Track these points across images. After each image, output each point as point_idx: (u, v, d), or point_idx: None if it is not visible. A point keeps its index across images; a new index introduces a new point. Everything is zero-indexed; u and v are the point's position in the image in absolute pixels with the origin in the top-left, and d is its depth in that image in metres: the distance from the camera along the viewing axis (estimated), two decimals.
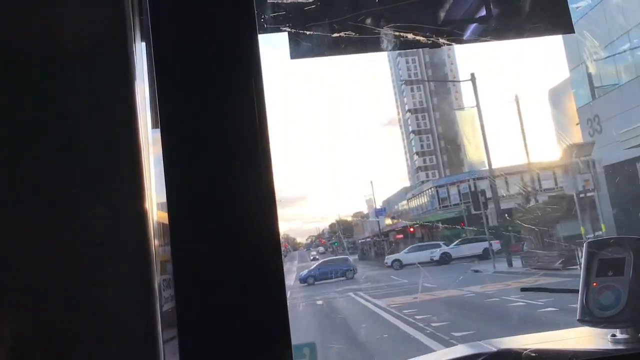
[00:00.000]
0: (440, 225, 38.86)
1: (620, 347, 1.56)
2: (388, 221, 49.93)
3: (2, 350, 0.68)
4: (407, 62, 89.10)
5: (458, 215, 39.25)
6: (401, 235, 43.14)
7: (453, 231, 36.36)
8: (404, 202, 57.48)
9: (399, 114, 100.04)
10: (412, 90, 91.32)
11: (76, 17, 0.75)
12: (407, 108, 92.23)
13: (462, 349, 1.86)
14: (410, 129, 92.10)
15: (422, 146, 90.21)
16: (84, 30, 0.75)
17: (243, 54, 0.81)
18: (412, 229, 39.10)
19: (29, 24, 0.74)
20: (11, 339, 0.68)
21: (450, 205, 44.36)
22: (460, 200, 43.06)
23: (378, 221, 45.30)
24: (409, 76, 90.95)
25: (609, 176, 18.78)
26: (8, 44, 0.73)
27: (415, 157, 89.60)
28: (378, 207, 51.29)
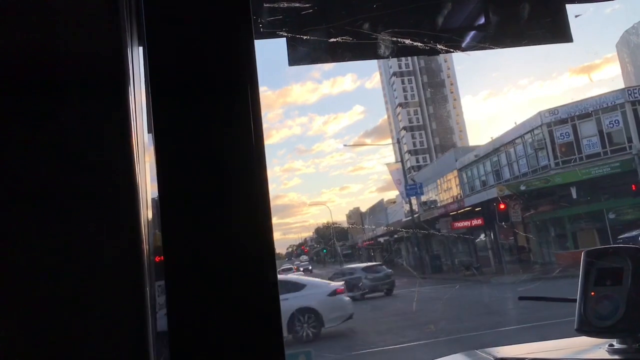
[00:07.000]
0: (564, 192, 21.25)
1: (617, 357, 1.66)
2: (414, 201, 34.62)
3: None
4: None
5: (615, 171, 21.63)
6: (477, 221, 26.26)
7: (606, 204, 20.52)
8: (449, 174, 39.11)
9: (387, 109, 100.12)
10: (402, 82, 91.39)
11: (71, 22, 0.80)
12: (397, 102, 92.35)
13: (460, 359, 1.95)
14: (401, 125, 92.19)
15: (414, 144, 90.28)
16: (78, 34, 0.80)
17: (239, 59, 0.85)
18: (503, 205, 23.72)
19: (23, 28, 0.79)
20: (3, 340, 0.73)
21: (581, 158, 25.03)
22: (605, 146, 24.41)
23: (409, 203, 34.40)
24: (400, 67, 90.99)
25: None
26: (1, 48, 0.78)
27: (407, 155, 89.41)
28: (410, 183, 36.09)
